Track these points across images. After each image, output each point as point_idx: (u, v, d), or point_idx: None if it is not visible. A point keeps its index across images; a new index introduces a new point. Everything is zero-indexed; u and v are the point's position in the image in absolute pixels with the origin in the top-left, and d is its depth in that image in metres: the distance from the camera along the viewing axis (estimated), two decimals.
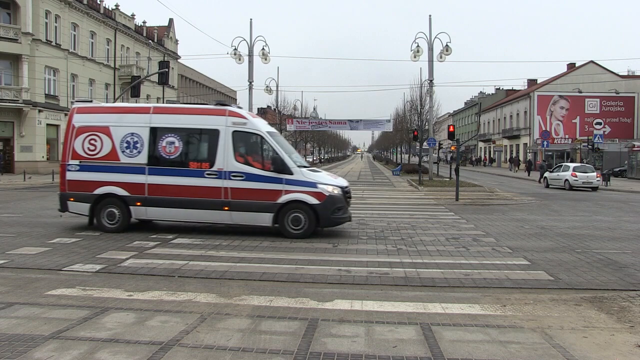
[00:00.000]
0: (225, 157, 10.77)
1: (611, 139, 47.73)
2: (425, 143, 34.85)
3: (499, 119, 72.32)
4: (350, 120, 40.49)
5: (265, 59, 30.99)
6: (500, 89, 79.07)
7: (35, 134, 35.58)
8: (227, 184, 10.71)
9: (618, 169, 41.57)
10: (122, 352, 4.51)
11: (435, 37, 29.24)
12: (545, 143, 41.10)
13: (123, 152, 11.16)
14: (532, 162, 48.05)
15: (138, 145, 11.11)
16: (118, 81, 47.46)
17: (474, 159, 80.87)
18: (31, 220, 13.24)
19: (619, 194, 26.86)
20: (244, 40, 31.50)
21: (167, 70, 32.64)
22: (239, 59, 30.64)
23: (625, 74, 62.83)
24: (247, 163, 10.88)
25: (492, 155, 75.75)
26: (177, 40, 63.37)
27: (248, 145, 11.36)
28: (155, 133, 11.11)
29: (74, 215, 12.35)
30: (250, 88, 32.73)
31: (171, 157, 11.01)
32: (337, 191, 10.92)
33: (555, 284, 7.28)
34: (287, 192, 10.65)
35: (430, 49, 29.45)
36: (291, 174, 10.73)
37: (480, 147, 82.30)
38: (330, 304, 6.10)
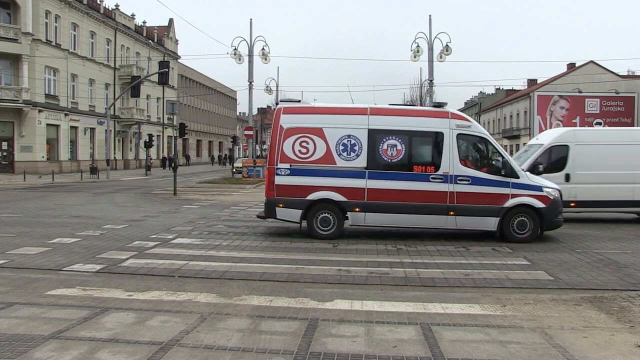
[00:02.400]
0: (451, 161, 10.46)
1: None
2: None
3: (499, 119, 72.30)
4: None
5: (265, 59, 30.99)
6: (500, 89, 78.99)
7: (35, 134, 35.57)
8: (453, 188, 10.40)
9: None
10: (122, 352, 4.51)
11: (435, 37, 29.22)
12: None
13: (339, 155, 10.58)
14: None
15: (356, 148, 10.57)
16: (118, 81, 47.51)
17: None
18: (31, 220, 13.24)
19: None
20: (244, 40, 31.50)
21: (167, 70, 32.65)
22: (239, 59, 30.63)
23: (625, 74, 62.83)
24: (471, 166, 10.68)
25: None
26: (177, 40, 63.42)
27: (472, 148, 11.28)
28: (375, 135, 10.61)
29: (74, 215, 12.35)
30: (250, 88, 32.72)
31: (393, 160, 10.56)
32: (557, 194, 10.80)
33: (555, 284, 7.28)
34: (514, 195, 10.46)
35: (430, 49, 29.44)
36: (517, 177, 10.57)
37: None
38: (330, 304, 6.09)
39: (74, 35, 41.13)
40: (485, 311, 5.92)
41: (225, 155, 73.84)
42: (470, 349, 4.72)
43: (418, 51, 28.85)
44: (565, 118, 56.67)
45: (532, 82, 68.64)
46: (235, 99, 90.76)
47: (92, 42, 43.96)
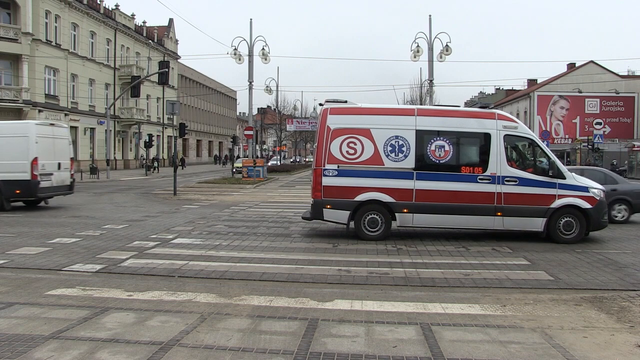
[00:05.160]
0: (498, 162, 10.48)
1: (611, 139, 47.72)
2: None
3: None
4: None
5: (265, 59, 31.00)
6: (500, 89, 79.00)
7: None
8: (501, 189, 10.42)
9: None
10: (122, 352, 4.51)
11: (435, 37, 29.24)
12: (545, 143, 41.08)
13: (387, 156, 10.55)
14: None
15: (404, 149, 10.55)
16: (118, 81, 47.50)
17: None
18: (31, 220, 13.24)
19: None
20: (244, 40, 31.52)
21: (167, 70, 32.62)
22: (239, 59, 30.63)
23: (625, 74, 62.81)
24: (518, 167, 10.73)
25: None
26: (177, 40, 63.42)
27: (519, 149, 11.38)
28: (422, 136, 10.60)
29: (74, 215, 12.31)
30: (250, 88, 32.73)
31: (441, 161, 10.56)
32: (602, 195, 10.83)
33: (555, 284, 7.28)
34: (561, 196, 10.48)
35: (430, 49, 29.45)
36: (564, 178, 10.59)
37: None
38: (330, 304, 6.09)
39: (74, 35, 41.13)
40: (485, 311, 5.92)
41: (226, 155, 73.89)
42: (470, 349, 4.72)
43: (418, 51, 28.88)
44: (565, 118, 56.70)
45: (532, 82, 68.62)
46: (235, 99, 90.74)
47: (92, 42, 43.95)
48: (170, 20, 62.47)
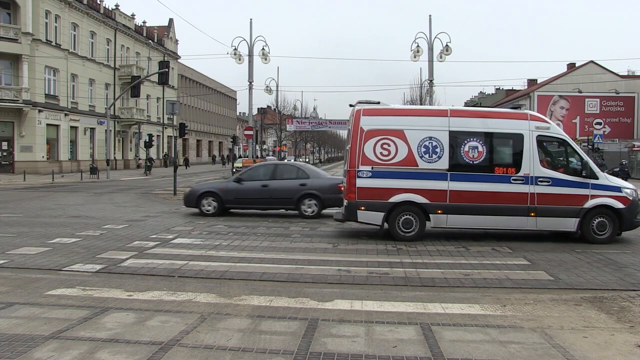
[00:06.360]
0: (531, 162, 10.50)
1: (611, 139, 47.70)
2: None
3: None
4: None
5: (265, 59, 31.00)
6: (500, 89, 78.98)
7: (35, 134, 35.58)
8: (534, 190, 10.44)
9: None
10: (122, 352, 4.51)
11: (435, 37, 29.23)
12: None
13: (421, 157, 10.53)
14: None
15: (437, 150, 10.54)
16: (118, 81, 47.51)
17: None
18: (31, 220, 13.24)
19: None
20: (244, 40, 31.52)
21: (167, 70, 32.62)
22: (239, 59, 30.63)
23: (625, 74, 62.81)
24: (551, 168, 10.73)
25: None
26: (177, 40, 63.45)
27: (552, 149, 11.39)
28: (456, 137, 10.61)
29: (74, 215, 12.25)
30: (250, 88, 32.73)
31: (474, 162, 10.57)
32: (635, 194, 10.85)
33: (555, 284, 7.28)
34: (594, 196, 10.51)
35: (430, 49, 29.44)
36: (597, 178, 10.62)
37: None
38: (330, 304, 6.09)
39: (74, 35, 41.13)
40: (485, 311, 5.92)
41: (228, 155, 73.94)
42: (470, 349, 4.72)
43: (418, 51, 28.87)
44: (565, 118, 56.69)
45: (532, 82, 68.60)
46: (235, 99, 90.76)
47: (92, 42, 43.96)
48: (170, 20, 62.52)
